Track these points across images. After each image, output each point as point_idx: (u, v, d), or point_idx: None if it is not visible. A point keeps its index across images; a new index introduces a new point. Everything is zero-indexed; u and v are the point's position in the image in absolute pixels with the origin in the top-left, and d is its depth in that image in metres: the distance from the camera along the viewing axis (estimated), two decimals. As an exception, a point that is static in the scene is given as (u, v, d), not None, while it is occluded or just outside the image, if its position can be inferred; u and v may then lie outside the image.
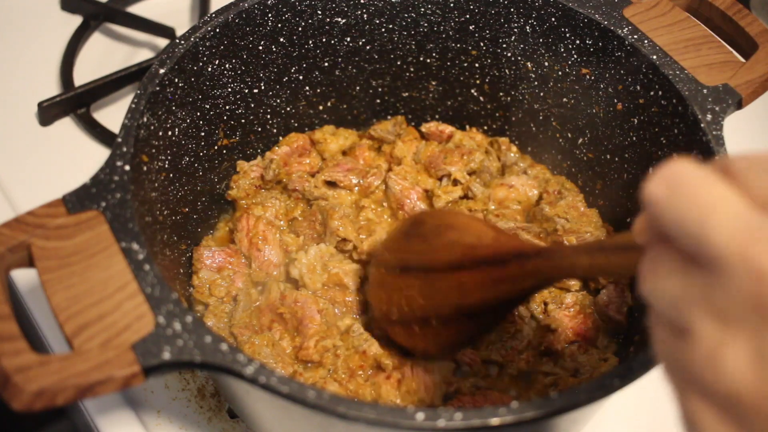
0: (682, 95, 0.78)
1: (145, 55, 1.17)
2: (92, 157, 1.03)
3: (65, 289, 0.59)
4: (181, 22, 1.21)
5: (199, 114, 0.84)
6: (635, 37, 0.83)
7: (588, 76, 0.89)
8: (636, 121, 0.85)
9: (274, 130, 0.97)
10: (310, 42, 0.91)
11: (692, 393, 0.38)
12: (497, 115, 1.00)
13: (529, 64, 0.93)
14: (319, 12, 0.89)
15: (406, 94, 1.01)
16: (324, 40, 0.92)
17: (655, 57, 0.81)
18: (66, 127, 1.07)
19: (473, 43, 0.94)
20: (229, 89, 0.87)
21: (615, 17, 0.84)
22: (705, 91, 0.78)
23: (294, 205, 0.94)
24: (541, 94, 0.94)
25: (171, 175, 0.81)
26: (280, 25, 0.88)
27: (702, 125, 0.75)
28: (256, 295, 0.86)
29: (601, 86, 0.88)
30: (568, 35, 0.88)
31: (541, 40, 0.90)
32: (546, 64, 0.92)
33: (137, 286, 0.60)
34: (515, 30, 0.91)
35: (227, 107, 0.88)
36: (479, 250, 0.71)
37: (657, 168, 0.39)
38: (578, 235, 0.87)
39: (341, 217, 0.89)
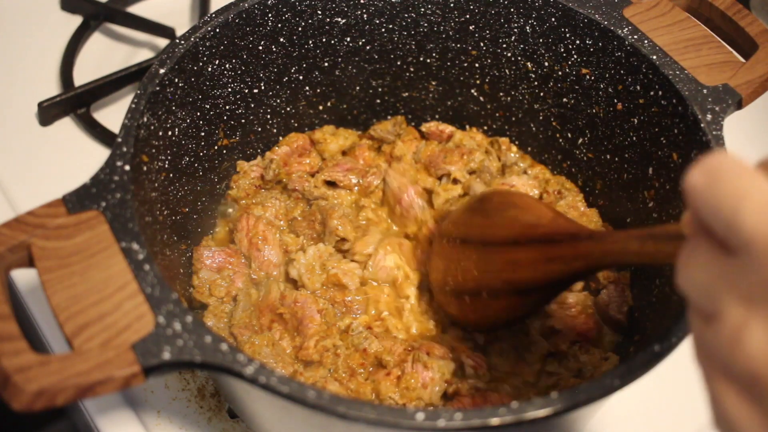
0: (682, 95, 0.78)
1: (145, 55, 1.17)
2: (92, 157, 1.03)
3: (65, 289, 0.59)
4: (181, 22, 1.21)
5: (199, 114, 0.84)
6: (635, 37, 0.83)
7: (588, 76, 0.89)
8: (636, 121, 0.85)
9: (274, 130, 0.97)
10: (310, 42, 0.91)
11: (718, 375, 0.40)
12: (497, 115, 1.00)
13: (529, 64, 0.93)
14: (319, 12, 0.89)
15: (406, 94, 1.01)
16: (324, 40, 0.92)
17: (655, 57, 0.81)
18: (66, 127, 1.07)
19: (473, 43, 0.94)
20: (229, 89, 0.87)
21: (615, 17, 0.84)
22: (705, 91, 0.78)
23: (294, 205, 0.94)
24: (541, 94, 0.94)
25: (171, 175, 0.81)
26: (280, 25, 0.88)
27: (702, 125, 0.75)
28: (256, 295, 0.86)
29: (601, 86, 0.88)
30: (568, 35, 0.88)
31: (541, 40, 0.90)
32: (546, 64, 0.92)
33: (137, 286, 0.60)
34: (515, 30, 0.91)
35: (227, 107, 0.88)
36: (537, 229, 0.73)
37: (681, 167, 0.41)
38: (578, 235, 0.87)
39: (340, 216, 0.89)
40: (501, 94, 0.97)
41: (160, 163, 0.77)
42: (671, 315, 0.70)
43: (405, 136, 1.01)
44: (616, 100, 0.87)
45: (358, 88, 0.99)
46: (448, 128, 1.01)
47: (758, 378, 0.37)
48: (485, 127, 1.02)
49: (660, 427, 0.85)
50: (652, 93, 0.82)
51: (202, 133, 0.86)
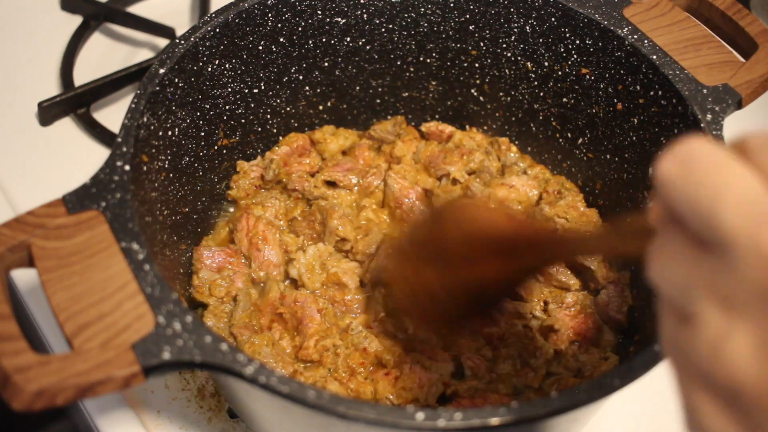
0: (682, 95, 0.78)
1: (145, 55, 1.17)
2: (92, 157, 1.03)
3: (65, 289, 0.59)
4: (181, 22, 1.21)
5: (199, 114, 0.84)
6: (635, 37, 0.83)
7: (588, 76, 0.89)
8: (636, 121, 0.85)
9: (274, 130, 0.97)
10: (310, 42, 0.91)
11: (694, 382, 0.37)
12: (497, 115, 1.00)
13: (529, 64, 0.93)
14: (319, 12, 0.89)
15: (406, 94, 1.01)
16: (324, 40, 0.92)
17: (655, 57, 0.81)
18: (66, 127, 1.07)
19: (473, 43, 0.94)
20: (229, 89, 0.87)
21: (615, 17, 0.84)
22: (705, 91, 0.78)
23: (294, 205, 0.94)
24: (541, 94, 0.94)
25: (171, 175, 0.81)
26: (280, 25, 0.88)
27: (702, 125, 0.75)
28: (256, 295, 0.86)
29: (601, 86, 0.88)
30: (568, 35, 0.88)
31: (541, 40, 0.90)
32: (546, 64, 0.92)
33: (137, 286, 0.60)
34: (515, 30, 0.91)
35: (227, 107, 0.88)
36: (496, 236, 0.72)
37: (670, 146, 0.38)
38: (578, 235, 0.87)
39: (340, 216, 0.89)
40: (501, 94, 0.98)
41: (160, 163, 0.77)
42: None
43: (405, 136, 1.01)
44: (616, 100, 0.87)
45: (358, 88, 0.99)
46: (448, 128, 1.01)
47: (741, 392, 0.34)
48: (485, 127, 1.02)
49: (660, 427, 0.85)
50: (652, 93, 0.82)
51: (202, 133, 0.86)
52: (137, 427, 0.81)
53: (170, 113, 0.79)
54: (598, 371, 0.80)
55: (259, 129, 0.95)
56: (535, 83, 0.94)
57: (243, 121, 0.92)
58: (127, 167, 0.67)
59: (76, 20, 1.18)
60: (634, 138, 0.86)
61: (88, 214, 0.64)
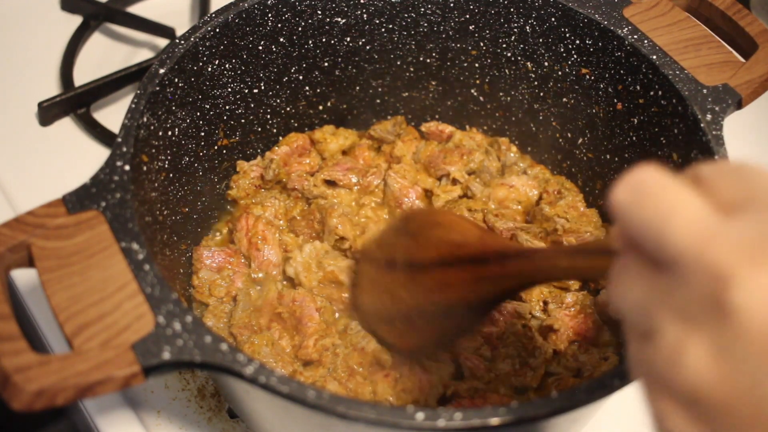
0: (682, 95, 0.78)
1: (145, 55, 1.17)
2: (92, 157, 1.03)
3: (65, 289, 0.59)
4: (181, 22, 1.21)
5: (199, 114, 0.84)
6: (635, 37, 0.83)
7: (588, 76, 0.89)
8: (636, 121, 0.85)
9: (274, 130, 0.97)
10: (310, 42, 0.92)
11: (659, 393, 0.39)
12: (497, 115, 1.00)
13: (529, 64, 0.93)
14: (319, 12, 0.89)
15: (406, 94, 1.01)
16: (324, 40, 0.92)
17: (654, 57, 0.81)
18: (66, 127, 1.07)
19: (473, 43, 0.94)
20: (229, 89, 0.87)
21: (615, 17, 0.84)
22: (705, 91, 0.78)
23: (294, 205, 0.94)
24: (541, 94, 0.94)
25: (171, 175, 0.81)
26: (280, 25, 0.88)
27: (702, 125, 0.75)
28: (256, 295, 0.86)
29: (601, 86, 0.88)
30: (568, 35, 0.88)
31: (541, 40, 0.90)
32: (546, 64, 0.92)
33: (137, 286, 0.60)
34: (515, 30, 0.91)
35: (227, 107, 0.88)
36: (463, 248, 0.72)
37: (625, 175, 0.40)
38: (578, 235, 0.87)
39: (340, 215, 0.89)
40: (501, 94, 0.98)
41: (160, 163, 0.77)
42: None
43: (405, 136, 1.01)
44: (616, 100, 0.87)
45: (358, 88, 0.99)
46: (448, 128, 1.01)
47: (699, 397, 0.36)
48: (485, 127, 1.02)
49: (660, 427, 0.85)
50: (651, 93, 0.82)
51: (202, 133, 0.86)
52: (137, 427, 0.81)
53: (170, 113, 0.79)
54: (597, 371, 0.80)
55: (259, 129, 0.95)
56: (535, 83, 0.94)
57: (243, 121, 0.92)
58: (127, 167, 0.67)
59: (76, 20, 1.18)
60: (634, 138, 0.86)
61: (88, 214, 0.64)
